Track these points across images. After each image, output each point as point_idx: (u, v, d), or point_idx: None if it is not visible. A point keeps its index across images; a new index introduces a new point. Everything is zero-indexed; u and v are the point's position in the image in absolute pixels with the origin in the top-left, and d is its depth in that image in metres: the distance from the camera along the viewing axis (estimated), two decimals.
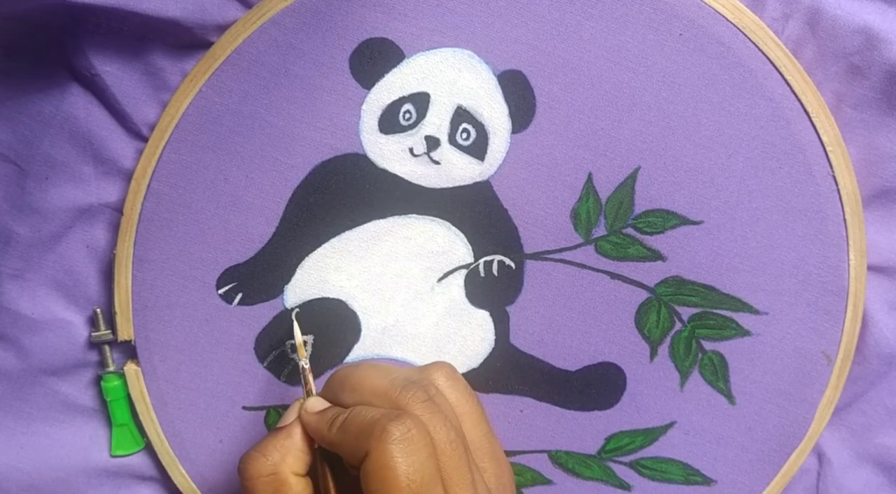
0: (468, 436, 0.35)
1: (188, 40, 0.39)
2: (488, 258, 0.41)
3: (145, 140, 0.40)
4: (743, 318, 0.41)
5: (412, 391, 0.34)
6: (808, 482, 0.44)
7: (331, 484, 0.35)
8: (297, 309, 0.41)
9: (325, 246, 0.41)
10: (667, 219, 0.40)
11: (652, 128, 0.39)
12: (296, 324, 0.39)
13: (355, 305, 0.41)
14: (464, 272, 0.41)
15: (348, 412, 0.33)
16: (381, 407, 0.33)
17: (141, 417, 0.43)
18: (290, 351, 0.42)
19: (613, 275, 0.41)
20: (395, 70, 0.39)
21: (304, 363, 0.37)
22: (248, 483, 0.34)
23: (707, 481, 0.42)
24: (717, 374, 0.41)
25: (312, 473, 0.35)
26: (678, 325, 0.41)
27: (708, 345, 0.41)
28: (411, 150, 0.40)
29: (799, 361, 0.41)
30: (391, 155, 0.40)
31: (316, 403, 0.36)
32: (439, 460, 0.32)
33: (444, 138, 0.40)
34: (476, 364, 0.42)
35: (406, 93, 0.39)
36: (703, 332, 0.41)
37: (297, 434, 0.35)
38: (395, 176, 0.40)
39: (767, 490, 0.42)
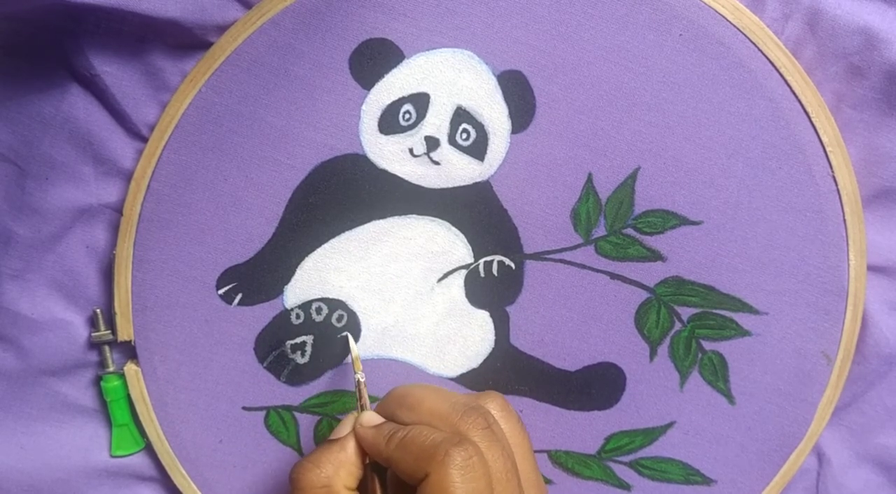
0: (518, 467, 0.35)
1: (188, 40, 0.39)
2: (488, 258, 0.41)
3: (145, 140, 0.40)
4: (743, 318, 0.41)
5: (472, 417, 0.34)
6: (808, 482, 0.44)
7: None
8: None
9: (325, 246, 0.41)
10: (667, 219, 0.40)
11: (652, 129, 0.39)
12: (351, 339, 0.40)
13: (355, 305, 0.41)
14: (464, 272, 0.41)
15: (408, 430, 0.34)
16: (440, 429, 0.34)
17: (141, 417, 0.43)
18: (289, 351, 0.42)
19: (613, 276, 0.41)
20: (394, 70, 0.39)
21: (361, 376, 0.38)
22: None
23: (707, 481, 0.42)
24: (717, 374, 0.41)
25: (361, 487, 0.35)
26: (678, 325, 0.41)
27: (708, 345, 0.41)
28: (411, 151, 0.40)
29: (799, 361, 0.41)
30: (391, 155, 0.40)
31: (372, 417, 0.36)
32: (494, 489, 0.32)
33: (443, 138, 0.40)
34: (476, 364, 0.42)
35: (406, 93, 0.39)
36: (702, 332, 0.41)
37: (350, 448, 0.35)
38: (394, 176, 0.40)
39: (767, 490, 0.42)
